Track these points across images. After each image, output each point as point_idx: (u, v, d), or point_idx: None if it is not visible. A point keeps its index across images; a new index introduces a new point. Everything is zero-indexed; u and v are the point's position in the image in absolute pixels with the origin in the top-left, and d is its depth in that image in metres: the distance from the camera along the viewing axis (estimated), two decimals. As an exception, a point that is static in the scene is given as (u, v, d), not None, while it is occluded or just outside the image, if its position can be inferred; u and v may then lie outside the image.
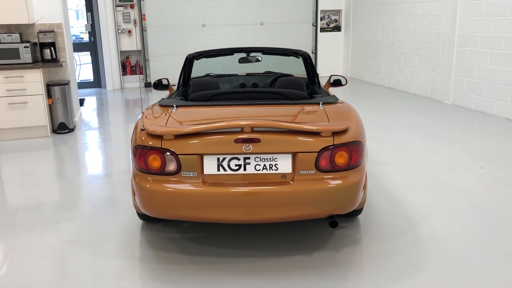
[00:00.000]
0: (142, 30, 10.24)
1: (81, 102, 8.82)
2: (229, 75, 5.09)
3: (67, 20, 6.90)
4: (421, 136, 5.85)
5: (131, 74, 10.49)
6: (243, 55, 4.60)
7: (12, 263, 3.04)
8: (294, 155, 2.81)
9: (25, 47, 6.07)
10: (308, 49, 11.44)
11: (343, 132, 2.90)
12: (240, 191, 2.75)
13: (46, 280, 2.84)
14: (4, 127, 6.08)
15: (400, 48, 9.22)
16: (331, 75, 4.70)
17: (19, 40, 6.17)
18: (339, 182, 2.82)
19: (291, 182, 2.80)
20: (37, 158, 5.40)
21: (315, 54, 11.56)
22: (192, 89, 3.83)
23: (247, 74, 5.12)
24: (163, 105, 3.44)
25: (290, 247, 3.18)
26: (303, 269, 2.90)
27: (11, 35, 6.14)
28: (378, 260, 2.99)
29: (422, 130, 6.14)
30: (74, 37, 11.24)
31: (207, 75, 5.12)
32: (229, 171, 2.81)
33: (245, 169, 2.81)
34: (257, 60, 4.66)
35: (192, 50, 10.73)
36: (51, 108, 6.36)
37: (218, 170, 2.81)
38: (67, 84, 6.42)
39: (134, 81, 10.58)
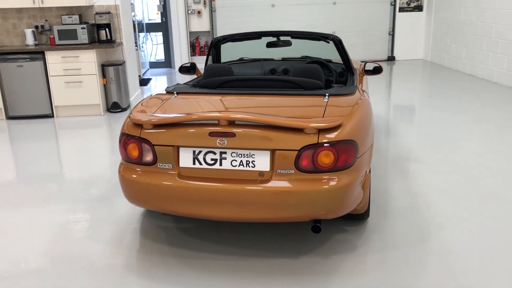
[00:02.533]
0: (211, 10, 10.28)
1: (147, 82, 9.10)
2: (264, 60, 4.89)
3: (127, 1, 7.07)
4: (483, 134, 5.21)
5: (200, 55, 10.61)
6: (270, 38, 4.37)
7: (9, 238, 3.19)
8: (273, 152, 2.59)
9: (82, 28, 6.34)
10: (384, 30, 10.74)
11: (331, 129, 2.61)
12: (213, 187, 2.60)
13: (32, 255, 2.94)
14: (61, 105, 6.45)
15: (484, 30, 8.28)
16: (365, 62, 4.31)
17: (78, 22, 6.45)
18: (321, 184, 2.55)
19: (268, 181, 2.59)
20: (90, 135, 5.65)
21: (392, 35, 10.82)
22: (204, 75, 3.71)
23: (283, 59, 4.88)
24: (168, 91, 3.38)
25: (279, 248, 2.98)
26: (283, 274, 2.70)
27: (71, 17, 6.44)
28: (366, 272, 2.69)
29: (487, 127, 5.47)
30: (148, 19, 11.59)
31: (241, 59, 4.97)
32: (204, 165, 2.67)
33: (221, 164, 2.65)
34: (287, 45, 4.40)
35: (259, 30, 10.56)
36: (105, 87, 6.62)
37: (194, 163, 2.68)
38: (121, 64, 6.62)
39: (203, 62, 10.70)
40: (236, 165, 2.63)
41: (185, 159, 2.69)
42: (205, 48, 10.59)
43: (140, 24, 10.21)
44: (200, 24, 10.37)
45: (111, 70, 6.53)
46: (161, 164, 2.72)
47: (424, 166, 4.28)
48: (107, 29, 6.52)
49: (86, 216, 3.50)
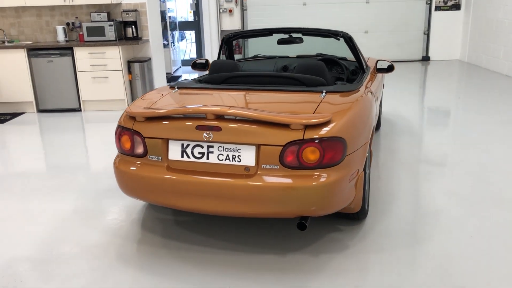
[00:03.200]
0: (243, 9, 10.33)
1: (177, 79, 9.26)
2: (279, 57, 4.88)
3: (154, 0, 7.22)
4: (508, 137, 4.99)
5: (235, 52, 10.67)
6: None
7: (16, 222, 3.34)
8: (258, 147, 2.59)
9: (109, 25, 6.53)
10: (419, 29, 10.45)
11: (319, 126, 2.58)
12: (199, 181, 2.62)
13: (31, 240, 3.06)
14: (88, 99, 6.67)
15: (521, 30, 7.91)
16: (378, 60, 4.22)
17: (106, 19, 6.66)
18: (306, 181, 2.53)
19: (253, 176, 2.59)
20: (114, 129, 5.82)
21: (427, 35, 10.51)
22: (210, 70, 3.75)
23: (297, 56, 4.85)
24: (171, 86, 3.44)
25: (270, 244, 2.97)
26: (269, 270, 2.69)
27: (100, 14, 6.65)
28: (353, 272, 2.64)
29: None
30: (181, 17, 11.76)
31: (256, 56, 4.98)
32: (192, 159, 2.70)
33: (208, 158, 2.67)
34: (298, 42, 4.37)
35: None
36: (131, 83, 6.79)
37: (182, 156, 2.71)
38: (146, 61, 6.77)
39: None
40: (222, 159, 2.65)
41: (174, 152, 2.73)
42: (236, 47, 10.65)
43: (173, 22, 10.39)
44: (232, 23, 10.44)
45: (136, 67, 6.69)
46: (151, 156, 2.78)
47: (439, 168, 4.14)
48: (133, 26, 6.69)
49: (93, 205, 3.61)
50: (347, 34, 3.99)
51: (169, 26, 9.79)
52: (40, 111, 6.84)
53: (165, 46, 9.79)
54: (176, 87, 3.38)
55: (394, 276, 2.60)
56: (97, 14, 6.65)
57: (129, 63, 6.69)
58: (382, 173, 4.05)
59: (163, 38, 10.00)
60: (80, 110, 6.79)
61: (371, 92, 3.57)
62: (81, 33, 6.70)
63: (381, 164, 4.27)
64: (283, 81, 3.38)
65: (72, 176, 4.25)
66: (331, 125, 2.60)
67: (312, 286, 2.53)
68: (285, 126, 2.57)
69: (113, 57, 6.44)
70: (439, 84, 7.94)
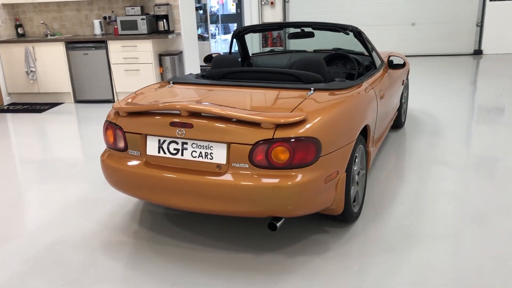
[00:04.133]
0: (284, 1, 10.22)
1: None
2: (296, 51, 4.79)
3: (188, -7, 7.31)
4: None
5: (272, 46, 10.63)
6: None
7: (17, 209, 3.53)
8: (229, 145, 2.56)
9: (142, 19, 6.70)
10: (471, 21, 9.86)
11: (291, 125, 2.50)
12: (172, 177, 2.64)
13: (25, 227, 3.22)
14: (121, 91, 6.89)
15: None
16: (389, 55, 4.03)
17: (140, 13, 6.83)
18: (274, 181, 2.47)
19: (223, 174, 2.57)
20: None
21: (481, 27, 9.89)
22: (212, 65, 3.75)
23: (314, 51, 4.74)
24: (168, 80, 3.48)
25: (249, 242, 2.94)
26: (240, 269, 2.66)
27: (134, 8, 6.83)
28: (325, 277, 2.56)
29: (548, 129, 4.83)
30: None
31: (272, 50, 4.92)
32: (168, 155, 2.72)
33: (182, 154, 2.68)
34: (309, 36, 4.26)
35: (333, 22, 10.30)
36: (161, 76, 6.93)
37: (159, 152, 2.74)
38: (177, 54, 6.89)
39: (275, 53, 10.71)
40: (196, 156, 2.64)
41: (152, 147, 2.76)
42: (277, 39, 10.58)
43: (215, 15, 10.48)
44: (273, 15, 10.37)
45: (167, 60, 6.82)
46: (131, 151, 2.82)
47: (453, 172, 3.91)
48: (164, 20, 6.81)
49: (97, 194, 3.74)
50: (356, 28, 3.85)
51: (209, 19, 9.88)
52: (77, 101, 7.16)
53: (205, 39, 9.90)
54: (170, 82, 3.42)
55: (368, 282, 2.49)
56: (131, 8, 6.83)
57: (160, 56, 6.83)
58: (390, 174, 3.89)
59: (205, 31, 10.12)
60: (114, 101, 7.04)
61: (373, 90, 3.42)
62: (116, 26, 6.92)
63: (392, 165, 4.09)
64: (280, 77, 3.32)
65: (93, 166, 4.41)
66: (304, 124, 2.52)
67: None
68: (256, 124, 2.52)
69: (144, 50, 6.60)
70: (487, 80, 7.46)
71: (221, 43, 11.07)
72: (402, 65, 3.99)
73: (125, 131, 2.81)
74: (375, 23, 10.19)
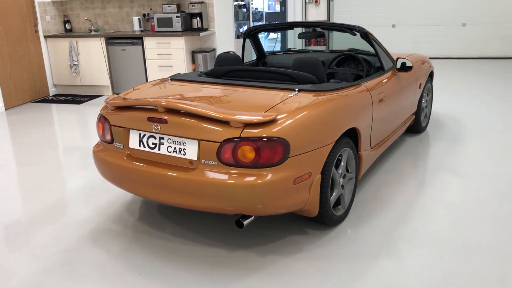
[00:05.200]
0: (329, 0, 10.10)
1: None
2: (313, 51, 4.77)
3: (225, -9, 7.43)
4: None
5: (315, 44, 10.55)
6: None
7: (29, 192, 3.79)
8: (200, 142, 2.62)
9: (176, 16, 6.90)
10: (528, 22, 9.27)
11: (259, 124, 2.53)
12: (148, 170, 2.75)
13: (26, 209, 3.47)
14: (154, 86, 7.14)
15: None
16: (397, 58, 3.91)
17: (176, 11, 7.03)
18: (240, 179, 2.51)
19: (194, 170, 2.64)
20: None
21: (538, 29, 9.27)
22: (215, 64, 3.83)
23: (331, 51, 4.69)
24: (170, 77, 3.61)
25: (226, 238, 2.99)
26: (209, 262, 2.73)
27: (170, 6, 7.04)
28: (287, 278, 2.56)
29: None
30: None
31: (289, 49, 4.93)
32: (147, 149, 2.82)
33: (159, 149, 2.78)
34: (319, 36, 4.23)
35: (379, 22, 10.05)
36: (194, 72, 7.10)
37: (140, 145, 2.86)
38: (209, 52, 7.03)
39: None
40: (171, 151, 2.73)
41: (133, 141, 2.88)
42: (321, 38, 10.47)
43: (259, 13, 10.55)
44: (317, 14, 10.28)
45: (199, 57, 6.99)
46: (116, 144, 2.96)
47: (458, 181, 3.74)
48: (198, 18, 6.97)
49: (98, 184, 3.94)
50: (363, 29, 3.78)
51: (251, 17, 9.97)
52: (115, 94, 7.49)
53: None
54: (169, 79, 3.53)
55: (328, 287, 2.47)
56: (168, 6, 7.05)
57: (193, 53, 7.01)
58: (391, 179, 3.79)
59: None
60: (149, 96, 7.30)
61: (369, 93, 3.36)
62: (153, 23, 7.17)
63: (398, 169, 3.98)
64: (275, 76, 3.35)
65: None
66: (273, 125, 2.54)
67: (239, 286, 2.52)
68: (225, 123, 2.57)
69: (177, 47, 6.80)
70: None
71: (264, 42, 11.12)
72: (409, 68, 3.86)
73: (111, 124, 2.96)
74: (420, 23, 9.83)
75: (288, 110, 2.69)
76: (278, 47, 11.77)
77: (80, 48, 7.28)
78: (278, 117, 2.60)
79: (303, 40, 10.44)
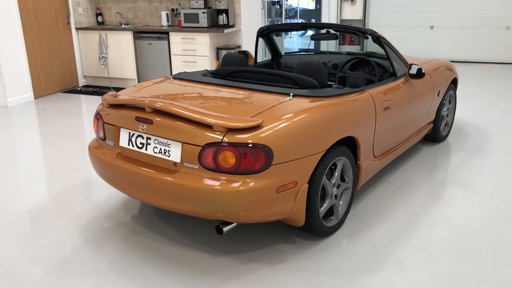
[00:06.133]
0: (365, -2, 9.84)
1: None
2: (330, 53, 4.64)
3: (254, -12, 7.36)
4: None
5: (349, 44, 10.32)
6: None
7: (42, 181, 3.88)
8: (183, 145, 2.58)
9: (203, 12, 6.90)
10: None
11: (242, 130, 2.46)
12: (133, 170, 2.74)
13: (29, 198, 3.55)
14: (178, 81, 7.18)
15: None
16: (411, 64, 3.73)
17: (203, 6, 7.03)
18: (220, 184, 2.45)
19: (176, 173, 2.60)
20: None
21: None
22: (221, 63, 3.78)
23: (347, 53, 4.55)
24: (173, 76, 3.59)
25: (212, 243, 2.95)
26: (190, 267, 2.69)
27: (198, 2, 7.05)
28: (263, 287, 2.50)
29: None
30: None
31: (305, 50, 4.81)
32: (135, 148, 2.81)
33: (146, 149, 2.76)
34: (332, 38, 4.10)
35: (417, 23, 9.70)
36: (218, 69, 7.09)
37: (129, 144, 2.85)
38: (234, 48, 6.99)
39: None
40: (157, 152, 2.71)
41: (123, 139, 2.88)
42: (354, 37, 10.23)
43: (293, 10, 10.41)
44: (353, 12, 10.03)
45: (223, 54, 6.95)
46: (108, 141, 2.97)
47: (468, 196, 3.54)
48: (224, 14, 6.94)
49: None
50: (375, 32, 3.63)
51: (284, 14, 9.84)
52: (141, 88, 7.59)
53: (278, 34, 9.88)
54: (171, 77, 3.51)
55: (302, 302, 2.39)
56: (196, 1, 7.05)
57: (218, 50, 6.99)
58: (396, 191, 3.63)
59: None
60: (173, 90, 7.35)
61: (373, 100, 3.22)
62: (180, 19, 7.20)
63: (407, 180, 3.81)
64: (278, 79, 3.27)
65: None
66: (257, 131, 2.47)
67: (213, 293, 2.48)
68: (208, 127, 2.52)
69: (202, 43, 6.80)
70: None
71: (298, 39, 10.98)
72: (421, 75, 3.67)
73: (104, 121, 2.97)
74: (460, 25, 9.41)
75: (276, 116, 2.60)
76: (312, 46, 11.60)
77: (109, 41, 7.41)
78: (263, 123, 2.52)
79: (337, 40, 10.23)
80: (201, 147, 2.50)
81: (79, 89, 7.64)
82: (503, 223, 3.13)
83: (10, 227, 3.18)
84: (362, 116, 3.07)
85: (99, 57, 7.51)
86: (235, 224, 2.63)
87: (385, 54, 4.30)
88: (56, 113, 6.18)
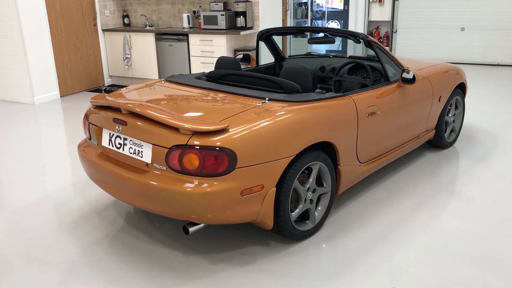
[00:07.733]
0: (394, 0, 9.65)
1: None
2: (333, 56, 4.62)
3: (274, -10, 7.39)
4: None
5: (377, 45, 10.13)
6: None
7: (44, 176, 4.09)
8: (153, 146, 2.68)
9: (221, 14, 7.00)
10: None
11: (207, 133, 2.53)
12: (111, 169, 2.86)
13: (28, 192, 3.75)
14: (197, 82, 7.32)
15: None
16: (403, 69, 3.66)
17: (222, 9, 7.14)
18: (184, 186, 2.53)
19: (146, 173, 2.70)
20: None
21: None
22: (215, 66, 3.86)
23: (350, 57, 4.52)
24: (165, 79, 3.70)
25: (189, 243, 3.03)
26: (159, 264, 2.79)
27: (218, 4, 7.16)
28: (225, 290, 2.55)
29: None
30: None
31: (308, 53, 4.81)
32: (115, 148, 2.93)
33: (123, 149, 2.87)
34: (329, 42, 4.08)
35: (447, 24, 9.42)
36: (235, 70, 7.17)
37: (109, 144, 2.97)
38: (251, 50, 7.05)
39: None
40: (131, 153, 2.82)
41: (105, 139, 3.00)
42: (384, 38, 10.06)
43: (320, 11, 10.36)
44: (381, 14, 9.87)
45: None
46: (93, 141, 3.11)
47: (461, 207, 3.45)
48: (242, 16, 7.02)
49: (103, 176, 4.15)
50: (366, 36, 3.60)
51: (310, 15, 9.81)
52: (162, 88, 7.79)
53: (304, 36, 9.87)
54: (162, 80, 3.62)
55: (258, 304, 2.43)
56: (215, 4, 7.17)
57: (235, 52, 7.07)
58: (385, 197, 3.58)
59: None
60: (193, 91, 7.50)
61: (355, 105, 3.20)
62: (200, 21, 7.34)
63: (399, 187, 3.75)
64: (264, 83, 3.31)
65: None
66: (222, 135, 2.52)
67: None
68: (175, 129, 2.60)
69: (219, 45, 6.91)
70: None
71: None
72: (411, 81, 3.60)
73: (89, 122, 3.11)
74: (493, 26, 9.06)
75: (245, 120, 2.65)
76: (310, 49, 11.48)
77: (132, 42, 7.65)
78: (230, 126, 2.57)
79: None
80: (168, 149, 2.58)
81: (104, 88, 7.93)
82: (487, 234, 3.04)
83: (4, 219, 3.39)
84: (341, 121, 3.06)
85: (123, 58, 7.76)
86: (202, 225, 2.70)
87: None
88: (80, 111, 6.45)
